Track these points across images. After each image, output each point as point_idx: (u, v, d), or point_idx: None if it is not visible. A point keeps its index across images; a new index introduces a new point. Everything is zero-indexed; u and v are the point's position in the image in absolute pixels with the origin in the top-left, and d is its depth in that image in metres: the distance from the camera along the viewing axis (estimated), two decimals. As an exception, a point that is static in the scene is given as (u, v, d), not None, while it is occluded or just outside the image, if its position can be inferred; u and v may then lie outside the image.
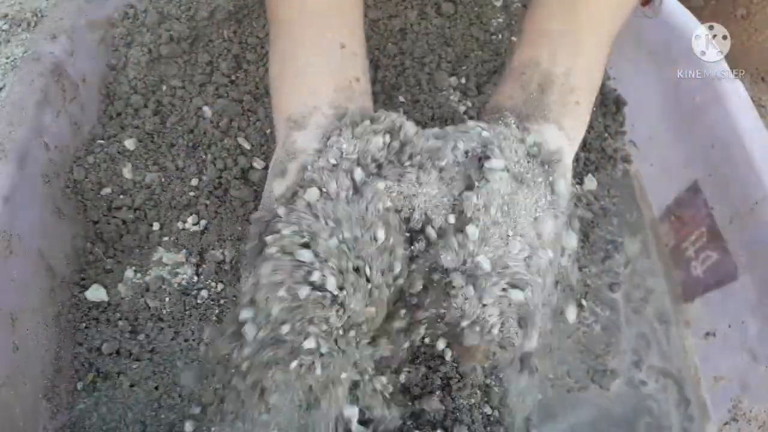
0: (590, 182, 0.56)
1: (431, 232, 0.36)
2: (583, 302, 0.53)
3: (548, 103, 0.42)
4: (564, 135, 0.41)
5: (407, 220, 0.36)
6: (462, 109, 0.57)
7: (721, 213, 0.50)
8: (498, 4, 0.63)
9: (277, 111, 0.41)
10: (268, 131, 0.54)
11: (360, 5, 0.43)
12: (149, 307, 0.49)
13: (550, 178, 0.38)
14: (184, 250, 0.51)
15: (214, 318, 0.49)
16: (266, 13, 0.44)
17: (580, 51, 0.43)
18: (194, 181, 0.52)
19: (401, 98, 0.57)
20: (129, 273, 0.50)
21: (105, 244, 0.50)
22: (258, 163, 0.53)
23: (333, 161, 0.36)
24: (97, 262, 0.50)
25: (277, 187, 0.38)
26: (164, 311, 0.49)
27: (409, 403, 0.43)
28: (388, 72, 0.58)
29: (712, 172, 0.52)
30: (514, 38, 0.62)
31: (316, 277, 0.33)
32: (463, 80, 0.58)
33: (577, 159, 0.57)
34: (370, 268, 0.34)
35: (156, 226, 0.51)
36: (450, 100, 0.57)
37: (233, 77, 0.56)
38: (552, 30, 0.43)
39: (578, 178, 0.57)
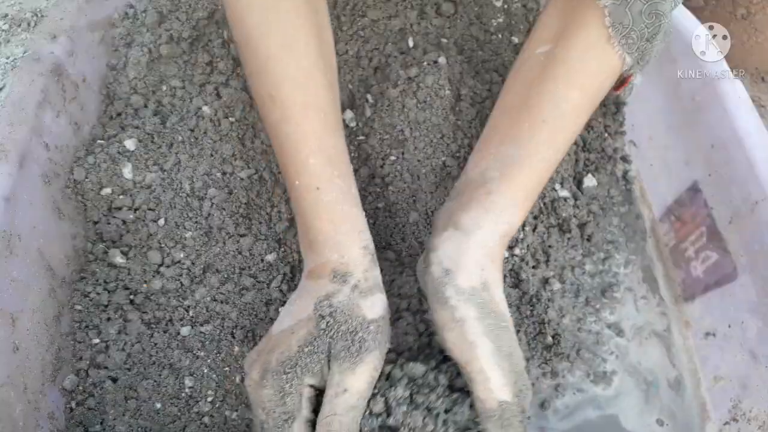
0: (590, 182, 0.56)
1: None
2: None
3: (454, 208, 0.40)
4: (460, 233, 0.39)
5: None
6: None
7: (721, 213, 0.50)
8: (498, 4, 0.63)
9: (356, 239, 0.40)
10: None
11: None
12: (149, 308, 0.49)
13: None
14: (184, 251, 0.51)
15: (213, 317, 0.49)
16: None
17: (509, 143, 0.41)
18: (195, 182, 0.52)
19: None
20: (129, 273, 0.50)
21: (105, 244, 0.50)
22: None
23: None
24: (97, 261, 0.50)
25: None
26: (164, 312, 0.49)
27: None
28: (388, 71, 0.58)
29: (712, 172, 0.52)
30: (514, 38, 0.62)
31: None
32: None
33: (576, 159, 0.57)
34: None
35: (156, 226, 0.51)
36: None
37: (233, 77, 0.56)
38: (493, 147, 0.42)
39: (578, 178, 0.57)
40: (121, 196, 0.51)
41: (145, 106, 0.54)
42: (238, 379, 0.48)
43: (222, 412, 0.47)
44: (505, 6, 0.63)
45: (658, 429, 0.49)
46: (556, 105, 0.41)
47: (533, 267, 0.52)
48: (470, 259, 0.38)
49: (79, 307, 0.48)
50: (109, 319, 0.48)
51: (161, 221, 0.51)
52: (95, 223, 0.51)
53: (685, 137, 0.55)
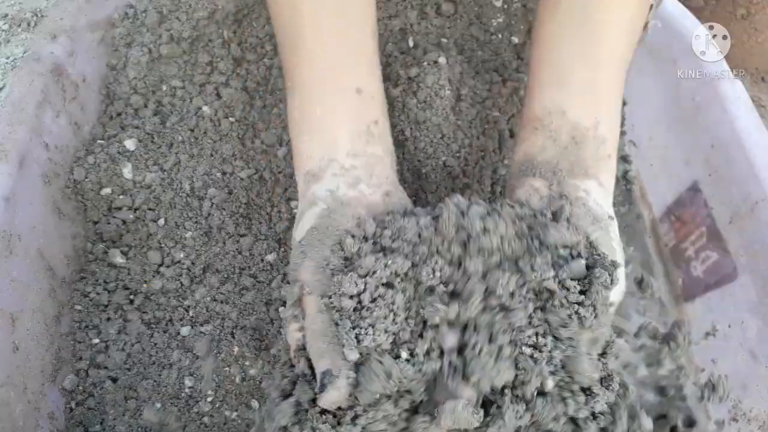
0: (590, 182, 0.56)
1: None
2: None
3: (585, 158, 0.41)
4: (603, 191, 0.40)
5: None
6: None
7: (721, 213, 0.50)
8: (498, 4, 0.63)
9: (298, 168, 0.40)
10: (266, 132, 0.54)
11: (375, 46, 0.42)
12: (149, 308, 0.49)
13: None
14: (184, 251, 0.51)
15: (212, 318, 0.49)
16: (281, 64, 0.42)
17: (603, 99, 0.42)
18: (195, 182, 0.52)
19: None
20: (129, 273, 0.50)
21: (105, 244, 0.50)
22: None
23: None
24: (97, 261, 0.50)
25: (298, 233, 0.37)
26: (164, 312, 0.49)
27: None
28: (388, 71, 0.58)
29: (712, 172, 0.52)
30: (514, 38, 0.62)
31: None
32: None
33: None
34: None
35: (156, 226, 0.51)
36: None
37: (233, 77, 0.56)
38: (571, 72, 0.42)
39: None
40: (121, 196, 0.51)
41: (145, 106, 0.54)
42: (238, 379, 0.48)
43: (222, 412, 0.47)
44: (505, 6, 0.63)
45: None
46: (625, 69, 0.43)
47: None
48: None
49: (79, 307, 0.48)
50: (109, 319, 0.48)
51: (161, 221, 0.51)
52: (95, 223, 0.51)
53: (685, 137, 0.55)
